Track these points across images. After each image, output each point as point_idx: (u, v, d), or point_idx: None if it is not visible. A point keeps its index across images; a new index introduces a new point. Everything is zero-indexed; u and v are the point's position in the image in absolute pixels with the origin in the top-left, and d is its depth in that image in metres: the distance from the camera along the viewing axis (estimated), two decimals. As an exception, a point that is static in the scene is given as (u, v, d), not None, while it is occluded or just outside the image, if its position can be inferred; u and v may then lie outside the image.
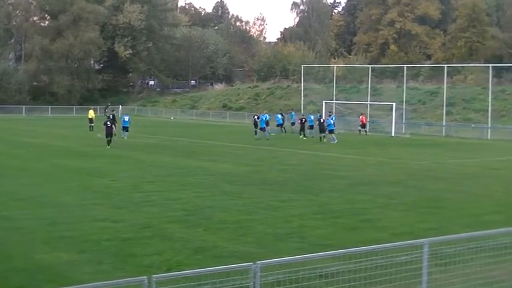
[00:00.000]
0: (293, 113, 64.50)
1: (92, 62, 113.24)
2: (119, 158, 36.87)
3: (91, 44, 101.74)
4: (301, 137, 54.40)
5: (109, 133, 42.94)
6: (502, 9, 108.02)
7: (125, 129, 50.29)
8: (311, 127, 56.43)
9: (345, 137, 57.24)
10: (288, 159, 37.39)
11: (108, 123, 43.40)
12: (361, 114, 64.66)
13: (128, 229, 17.60)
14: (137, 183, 26.67)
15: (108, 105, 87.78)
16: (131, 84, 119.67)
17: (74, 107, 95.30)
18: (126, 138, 49.02)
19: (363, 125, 62.36)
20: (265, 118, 53.81)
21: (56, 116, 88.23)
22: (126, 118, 51.55)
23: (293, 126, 60.96)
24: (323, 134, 52.08)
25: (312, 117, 57.94)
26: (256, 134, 52.78)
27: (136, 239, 16.48)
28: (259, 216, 19.80)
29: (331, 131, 52.10)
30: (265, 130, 51.88)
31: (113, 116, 52.05)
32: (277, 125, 59.86)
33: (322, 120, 53.93)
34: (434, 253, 10.63)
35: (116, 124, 49.28)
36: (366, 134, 61.57)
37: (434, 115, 70.70)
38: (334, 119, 55.08)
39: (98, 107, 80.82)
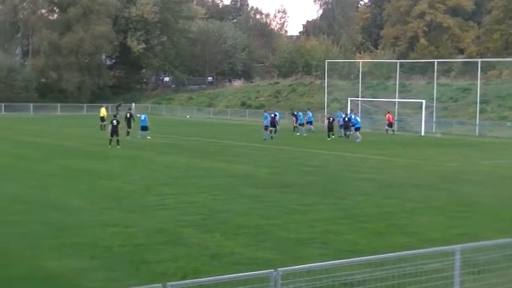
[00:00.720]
0: (300, 113, 63.56)
1: (103, 57, 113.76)
2: (131, 159, 37.02)
3: (102, 38, 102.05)
4: (329, 139, 53.31)
5: (114, 132, 43.16)
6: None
7: (144, 128, 51.10)
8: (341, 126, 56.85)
9: (371, 136, 57.08)
10: (310, 160, 37.36)
11: (114, 122, 43.56)
12: (388, 112, 64.56)
13: (141, 234, 17.67)
14: (150, 185, 26.77)
15: (120, 103, 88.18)
16: (144, 80, 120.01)
17: (84, 104, 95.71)
18: (148, 137, 49.91)
19: (390, 124, 62.33)
20: (276, 116, 53.90)
21: (65, 114, 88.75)
22: (143, 117, 52.16)
23: (301, 127, 60.64)
24: (348, 132, 53.57)
25: (343, 115, 58.27)
26: (275, 132, 53.65)
27: (149, 244, 16.54)
28: (280, 220, 19.80)
29: (357, 129, 53.26)
30: (266, 129, 52.09)
31: (130, 114, 52.71)
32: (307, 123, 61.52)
33: (346, 118, 55.25)
34: (466, 260, 10.59)
35: (134, 123, 50.69)
36: (394, 133, 61.46)
37: (467, 113, 70.30)
38: (353, 117, 55.71)
39: (110, 105, 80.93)
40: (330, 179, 29.66)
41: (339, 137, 54.99)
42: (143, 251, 15.85)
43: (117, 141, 43.06)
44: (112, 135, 43.23)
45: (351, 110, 61.50)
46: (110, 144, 42.97)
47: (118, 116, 46.02)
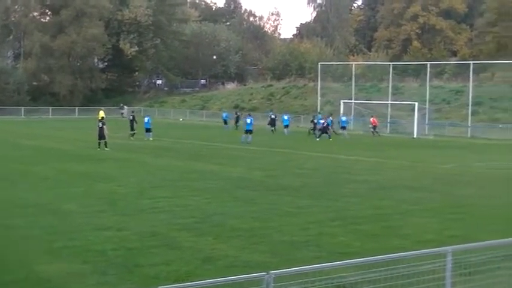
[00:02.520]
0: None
1: (96, 60, 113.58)
2: (125, 161, 37.03)
3: (94, 41, 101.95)
4: (317, 139, 55.80)
5: (101, 135, 43.47)
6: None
7: (148, 130, 53.05)
8: (343, 128, 59.98)
9: (365, 138, 57.24)
10: (304, 163, 37.42)
11: (100, 124, 44.07)
12: (372, 116, 65.01)
13: (134, 238, 17.68)
14: (144, 188, 26.77)
15: (122, 106, 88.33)
16: (137, 83, 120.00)
17: (77, 108, 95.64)
18: (149, 139, 51.76)
19: (374, 127, 62.85)
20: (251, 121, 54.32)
21: (57, 117, 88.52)
22: (146, 119, 54.04)
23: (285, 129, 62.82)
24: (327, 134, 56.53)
25: (322, 120, 59.75)
26: (272, 132, 55.39)
27: (142, 248, 16.55)
28: (274, 223, 19.83)
29: (343, 128, 58.33)
30: (251, 132, 51.72)
31: (133, 117, 54.47)
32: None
33: (325, 124, 57.71)
34: (458, 262, 10.63)
35: (136, 125, 52.90)
36: (379, 135, 61.87)
37: (460, 115, 70.47)
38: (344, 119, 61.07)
39: (109, 108, 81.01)
40: (324, 181, 29.72)
41: (317, 137, 56.92)
42: (136, 255, 15.84)
43: (105, 143, 43.30)
44: (100, 138, 43.53)
45: (330, 114, 62.77)
46: (99, 147, 43.31)
47: (132, 119, 47.72)
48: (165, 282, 12.95)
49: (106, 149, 42.71)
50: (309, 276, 9.55)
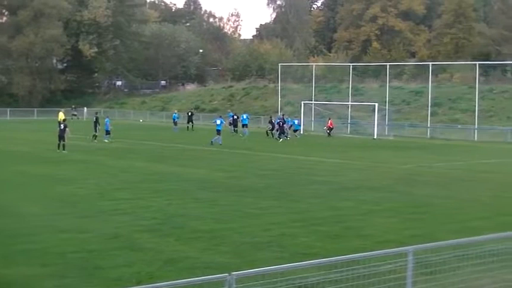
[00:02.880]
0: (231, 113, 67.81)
1: (55, 61, 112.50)
2: (85, 163, 36.72)
3: (53, 41, 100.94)
4: (280, 140, 55.92)
5: (61, 136, 42.99)
6: (489, 4, 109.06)
7: (107, 132, 52.44)
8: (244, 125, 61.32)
9: (326, 139, 57.46)
10: (266, 164, 37.45)
11: (62, 126, 43.51)
12: (329, 118, 65.54)
13: (95, 240, 17.53)
14: (105, 190, 26.58)
15: (74, 107, 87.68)
16: (97, 84, 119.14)
17: (35, 109, 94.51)
18: (107, 141, 51.21)
19: (330, 129, 63.24)
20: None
21: (16, 119, 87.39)
22: (105, 120, 53.70)
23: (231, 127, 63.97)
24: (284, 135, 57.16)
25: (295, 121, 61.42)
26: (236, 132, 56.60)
27: (103, 250, 16.42)
28: (236, 224, 19.82)
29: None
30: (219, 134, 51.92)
31: (97, 118, 53.98)
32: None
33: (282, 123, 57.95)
34: (419, 261, 10.73)
35: (99, 126, 52.61)
36: (330, 136, 62.38)
37: (419, 116, 71.19)
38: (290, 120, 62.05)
39: (68, 109, 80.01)
40: (286, 182, 29.77)
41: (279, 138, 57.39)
42: (97, 257, 15.71)
43: (63, 146, 42.66)
44: (59, 139, 43.02)
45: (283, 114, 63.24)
46: (58, 148, 42.70)
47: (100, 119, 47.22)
48: (127, 284, 12.88)
49: (64, 151, 42.12)
50: (271, 277, 9.57)
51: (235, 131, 63.12)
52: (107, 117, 56.33)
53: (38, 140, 53.86)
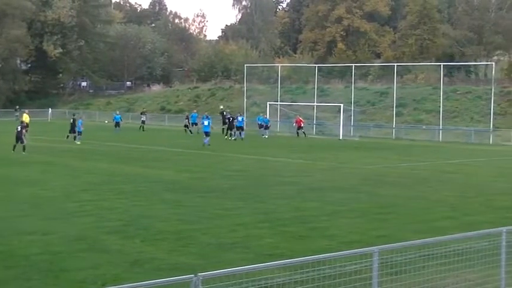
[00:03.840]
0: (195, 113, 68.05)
1: (18, 61, 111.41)
2: (50, 165, 36.40)
3: (17, 42, 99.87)
4: (230, 138, 58.01)
5: (18, 137, 42.59)
6: (454, 5, 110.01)
7: (79, 133, 52.58)
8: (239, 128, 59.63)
9: (291, 140, 57.60)
10: (232, 165, 37.46)
11: (19, 127, 43.19)
12: (296, 115, 65.37)
13: (60, 242, 17.39)
14: (70, 192, 26.37)
15: (17, 108, 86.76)
16: (62, 85, 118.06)
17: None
18: (79, 142, 50.98)
19: (299, 128, 63.10)
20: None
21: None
22: (78, 122, 53.51)
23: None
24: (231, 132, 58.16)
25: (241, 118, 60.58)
26: (191, 132, 57.82)
27: (69, 252, 16.30)
28: (202, 225, 19.79)
29: (239, 128, 58.67)
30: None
31: (74, 120, 53.73)
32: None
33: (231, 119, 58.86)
34: (384, 261, 10.79)
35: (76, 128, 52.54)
36: (306, 136, 62.15)
37: (384, 116, 71.74)
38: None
39: (32, 110, 79.22)
40: (252, 183, 29.80)
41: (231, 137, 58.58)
42: (62, 259, 15.59)
43: (23, 147, 42.14)
44: (16, 141, 42.57)
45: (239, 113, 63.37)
46: (13, 149, 42.17)
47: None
48: (92, 287, 12.80)
49: (23, 153, 41.61)
50: (236, 278, 9.56)
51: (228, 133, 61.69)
52: (80, 118, 55.96)
53: (1, 141, 53.18)
